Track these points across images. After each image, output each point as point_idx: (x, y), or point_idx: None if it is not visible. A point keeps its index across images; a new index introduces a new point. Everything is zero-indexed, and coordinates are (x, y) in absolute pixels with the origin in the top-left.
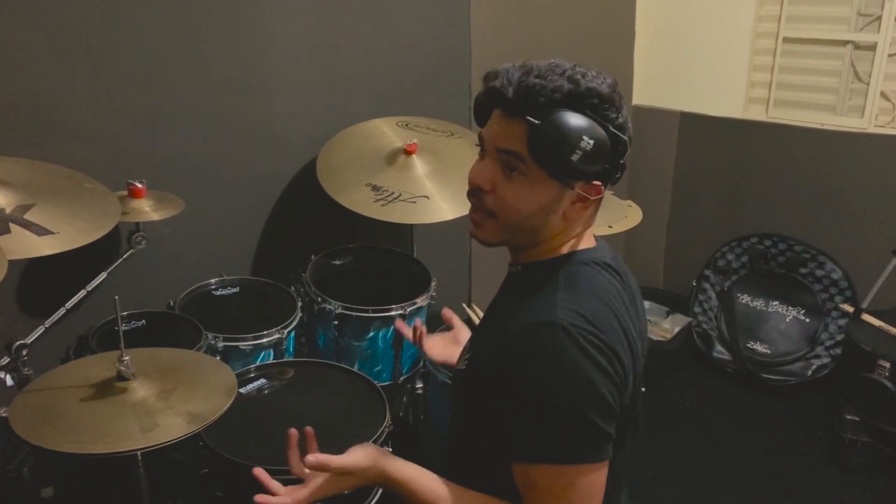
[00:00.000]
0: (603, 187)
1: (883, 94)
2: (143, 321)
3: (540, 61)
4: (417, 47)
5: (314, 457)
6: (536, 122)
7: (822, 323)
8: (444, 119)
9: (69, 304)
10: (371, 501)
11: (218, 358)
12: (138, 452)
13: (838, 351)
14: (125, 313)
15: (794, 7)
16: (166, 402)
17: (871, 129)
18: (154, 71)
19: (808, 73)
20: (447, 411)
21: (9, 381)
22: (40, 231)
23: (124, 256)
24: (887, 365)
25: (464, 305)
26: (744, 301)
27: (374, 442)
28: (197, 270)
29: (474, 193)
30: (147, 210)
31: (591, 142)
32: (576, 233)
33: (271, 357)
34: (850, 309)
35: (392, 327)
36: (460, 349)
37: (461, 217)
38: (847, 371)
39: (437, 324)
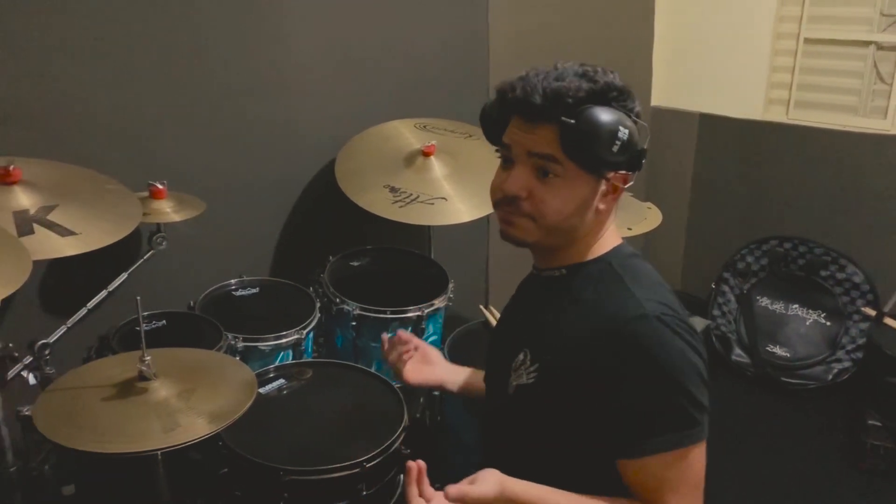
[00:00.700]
0: (631, 175)
1: None
2: (164, 321)
3: (542, 67)
4: (436, 49)
5: (456, 489)
6: (571, 121)
7: (843, 326)
8: (462, 121)
9: (91, 304)
10: None
11: (237, 358)
12: (159, 452)
13: (860, 355)
14: (146, 313)
15: (816, 7)
16: (187, 402)
17: (894, 131)
18: (175, 74)
19: (829, 75)
20: (464, 414)
21: (31, 379)
22: (63, 232)
23: (145, 257)
24: None
25: (481, 307)
26: (763, 304)
27: (392, 443)
28: (217, 271)
29: (509, 202)
30: (168, 211)
31: (626, 131)
32: (608, 228)
33: (290, 357)
34: (872, 312)
35: (410, 328)
36: (435, 367)
37: (479, 219)
38: (869, 375)
39: (454, 325)
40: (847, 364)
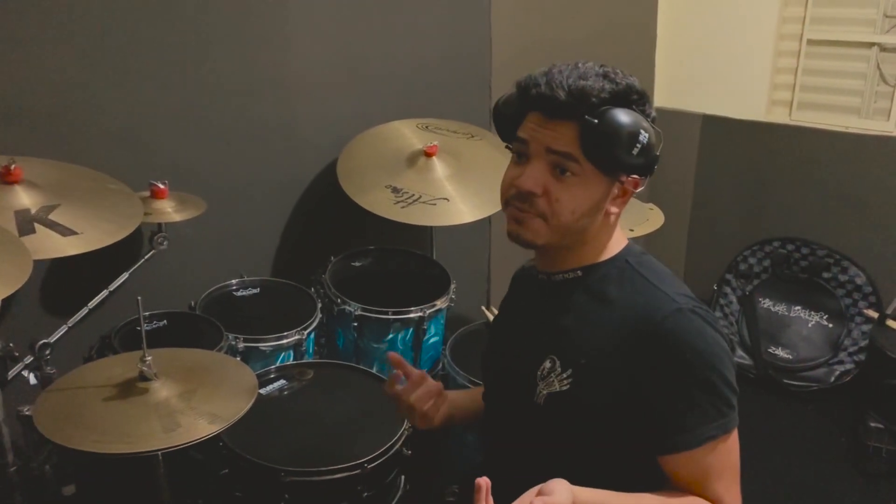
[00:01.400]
0: (643, 179)
1: None
2: (165, 321)
3: (565, 64)
4: (438, 50)
5: (541, 500)
6: (595, 121)
7: (846, 328)
8: (465, 121)
9: (92, 304)
10: None
11: (238, 358)
12: (159, 453)
13: (862, 357)
14: (147, 313)
15: (819, 9)
16: (188, 403)
17: None
18: (178, 74)
19: (832, 76)
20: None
21: (32, 379)
22: (65, 231)
23: (146, 257)
24: None
25: (483, 308)
26: (765, 306)
27: (393, 444)
28: (218, 271)
29: (522, 198)
30: (169, 211)
31: (647, 136)
32: (615, 229)
33: (291, 358)
34: (875, 314)
35: (412, 329)
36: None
37: (481, 220)
38: (871, 377)
39: (456, 326)
40: (849, 366)
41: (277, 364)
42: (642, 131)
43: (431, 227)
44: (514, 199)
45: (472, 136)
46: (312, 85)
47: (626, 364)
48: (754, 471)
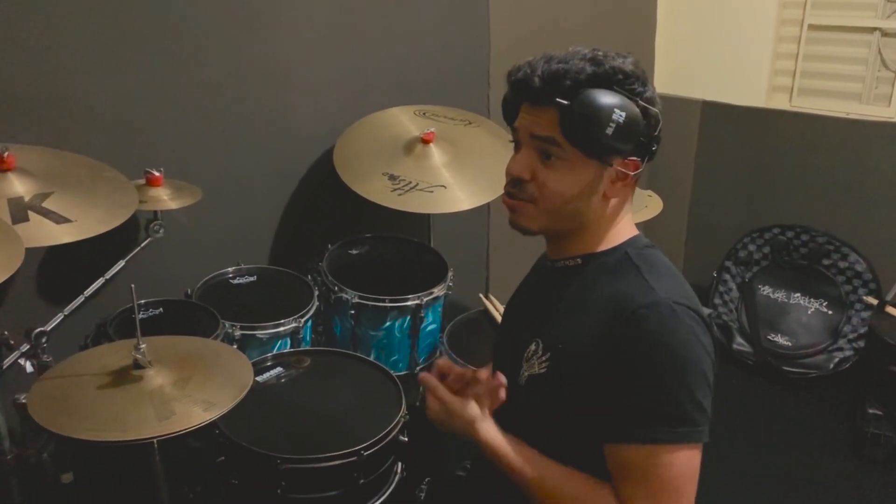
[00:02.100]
0: (641, 162)
1: None
2: (161, 309)
3: (554, 52)
4: (435, 36)
5: (437, 386)
6: (566, 102)
7: (845, 315)
8: (462, 108)
9: (88, 292)
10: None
11: (235, 346)
12: (154, 440)
13: (861, 344)
14: (143, 301)
15: None
16: (183, 391)
17: None
18: (173, 61)
19: (833, 61)
20: None
21: (29, 367)
22: (59, 219)
23: (142, 245)
24: None
25: (480, 296)
26: (765, 293)
27: (390, 431)
28: (214, 259)
29: (514, 184)
30: (165, 199)
31: (623, 114)
32: (622, 218)
33: (288, 346)
34: (874, 301)
35: (409, 316)
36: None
37: (479, 207)
38: (870, 364)
39: (454, 314)
40: (848, 353)
41: (274, 352)
42: (617, 110)
43: (429, 215)
44: (508, 185)
45: (470, 123)
46: (309, 72)
47: (597, 351)
48: (753, 457)
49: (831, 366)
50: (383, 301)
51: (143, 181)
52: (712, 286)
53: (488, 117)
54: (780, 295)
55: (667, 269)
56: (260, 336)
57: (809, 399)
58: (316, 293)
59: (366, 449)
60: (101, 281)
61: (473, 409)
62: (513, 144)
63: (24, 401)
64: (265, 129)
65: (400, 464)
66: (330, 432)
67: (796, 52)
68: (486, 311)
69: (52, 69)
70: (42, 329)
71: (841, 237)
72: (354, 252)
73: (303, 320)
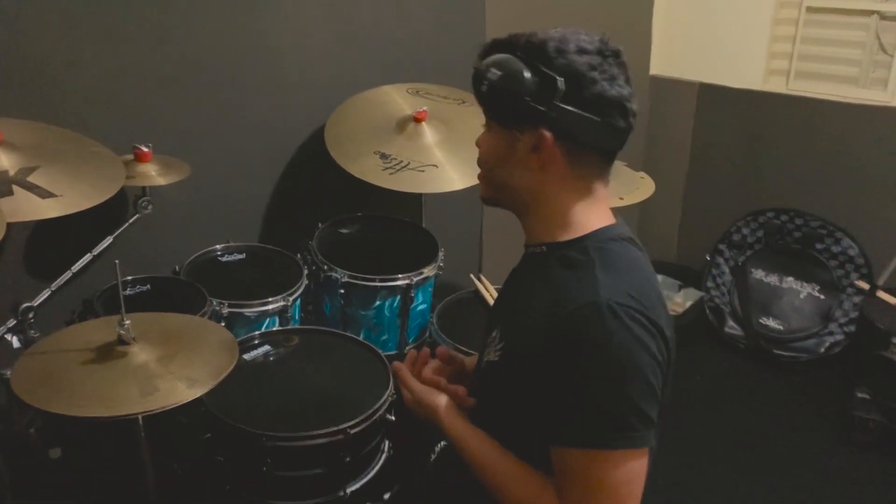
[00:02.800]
0: (552, 135)
1: None
2: (148, 286)
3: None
4: (429, 13)
5: (406, 374)
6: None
7: (837, 300)
8: (456, 87)
9: (75, 268)
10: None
11: (223, 324)
12: (139, 416)
13: (852, 328)
14: (130, 278)
15: None
16: (167, 367)
17: (894, 103)
18: (161, 35)
19: (830, 45)
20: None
21: (15, 342)
22: (44, 194)
23: (130, 221)
24: None
25: (472, 277)
26: (758, 276)
27: (377, 411)
28: (203, 236)
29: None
30: (153, 174)
31: (499, 73)
32: (585, 205)
33: (276, 324)
34: (866, 286)
35: (399, 296)
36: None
37: (472, 187)
38: (860, 349)
39: (445, 294)
40: (839, 337)
41: (262, 330)
42: (493, 69)
43: (421, 195)
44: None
45: (463, 102)
46: (301, 48)
47: (538, 348)
48: (743, 439)
49: (822, 350)
50: (373, 280)
51: (131, 156)
52: (705, 269)
53: None
54: (772, 279)
55: (626, 266)
56: (248, 314)
57: (800, 383)
58: (305, 272)
59: (352, 427)
60: (88, 257)
61: (439, 397)
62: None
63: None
64: (256, 105)
65: (387, 442)
66: (317, 410)
67: (794, 35)
68: (477, 292)
69: (39, 43)
70: (29, 304)
71: (835, 221)
72: (345, 231)
73: (291, 299)
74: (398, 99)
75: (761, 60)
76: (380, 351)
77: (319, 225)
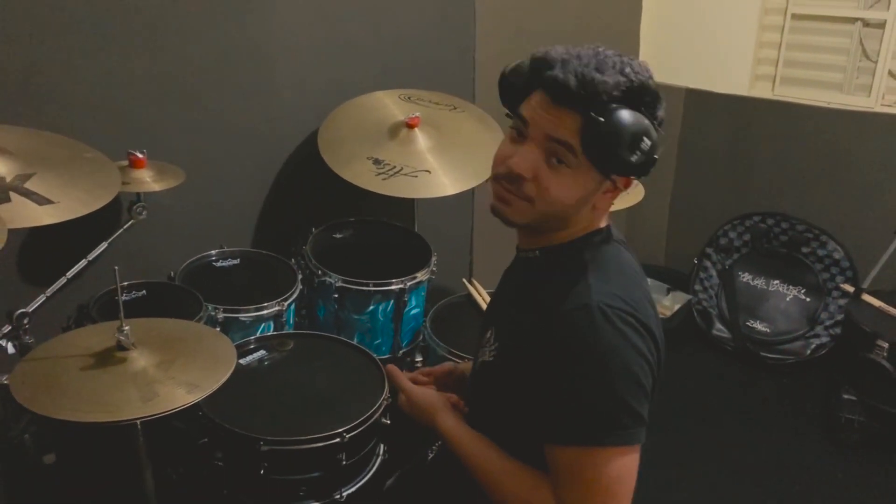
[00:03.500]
0: (635, 179)
1: (891, 73)
2: (144, 291)
3: (583, 49)
4: (421, 20)
5: (399, 377)
6: (601, 119)
7: (823, 302)
8: (447, 93)
9: (70, 274)
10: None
11: (218, 329)
12: (138, 422)
13: (838, 331)
14: (125, 283)
15: None
16: (166, 372)
17: (878, 109)
18: (155, 41)
19: (815, 51)
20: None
21: (10, 349)
22: (41, 200)
23: (125, 226)
24: (886, 345)
25: (464, 281)
26: (745, 279)
27: (372, 415)
28: (197, 242)
29: (511, 180)
30: (148, 180)
31: (649, 143)
32: (598, 219)
33: (271, 329)
34: (851, 289)
35: (392, 300)
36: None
37: (464, 192)
38: (846, 351)
39: (438, 299)
40: (825, 339)
41: (257, 335)
42: (646, 138)
43: (414, 200)
44: (503, 178)
45: (455, 108)
46: (293, 54)
47: (533, 348)
48: (730, 440)
49: (808, 352)
50: (367, 285)
51: (125, 163)
52: (693, 272)
53: (473, 102)
54: (759, 282)
55: (618, 268)
56: (243, 319)
57: (786, 384)
58: (299, 277)
59: (348, 431)
60: (83, 263)
61: (433, 397)
62: (512, 130)
63: (5, 382)
64: (249, 111)
65: (382, 446)
66: (313, 414)
67: (779, 42)
68: (469, 296)
69: (34, 50)
70: (24, 310)
71: (820, 225)
72: (338, 236)
73: (286, 304)
74: (391, 105)
75: (747, 66)
76: (374, 355)
77: (313, 230)
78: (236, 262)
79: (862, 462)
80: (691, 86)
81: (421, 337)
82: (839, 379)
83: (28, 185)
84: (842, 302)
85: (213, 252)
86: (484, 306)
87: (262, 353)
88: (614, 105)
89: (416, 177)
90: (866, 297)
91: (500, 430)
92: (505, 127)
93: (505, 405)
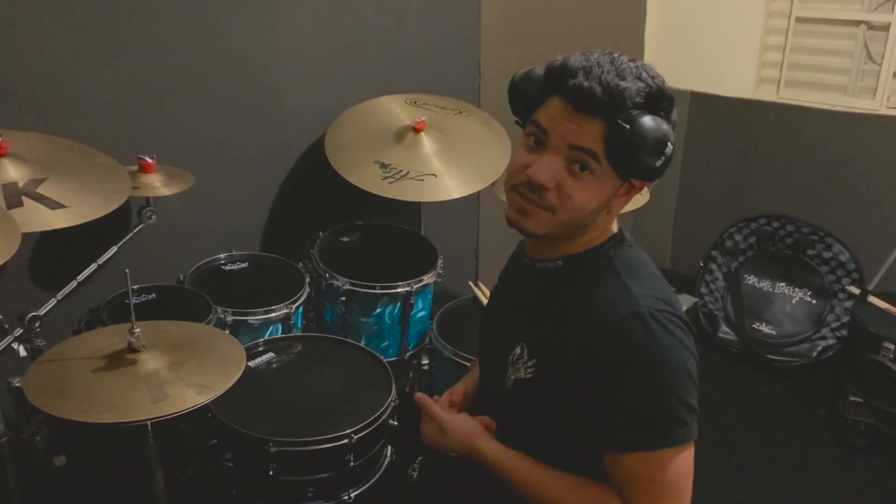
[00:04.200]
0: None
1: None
2: (154, 295)
3: (599, 55)
4: (426, 24)
5: (428, 404)
6: (626, 126)
7: (829, 305)
8: (453, 97)
9: (81, 277)
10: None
11: (227, 332)
12: (148, 423)
13: (844, 333)
14: (136, 287)
15: None
16: (176, 374)
17: (883, 111)
18: (164, 46)
19: (820, 54)
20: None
21: (22, 351)
22: (53, 205)
23: (135, 231)
24: (892, 347)
25: (470, 284)
26: (750, 282)
27: (380, 416)
28: (206, 245)
29: (533, 189)
30: (157, 185)
31: (672, 147)
32: (613, 222)
33: (279, 332)
34: (857, 291)
35: (399, 303)
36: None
37: (470, 195)
38: (852, 353)
39: (444, 301)
40: (831, 341)
41: (266, 337)
42: (669, 143)
43: (420, 203)
44: (524, 187)
45: (461, 112)
46: (301, 59)
47: (581, 361)
48: (737, 443)
49: (814, 354)
50: (374, 288)
51: (135, 168)
52: (699, 275)
53: (479, 106)
54: (765, 284)
55: (647, 270)
56: (251, 322)
57: (792, 387)
58: (307, 280)
59: (356, 432)
60: (93, 266)
61: (472, 424)
62: (527, 139)
63: (17, 384)
64: (257, 116)
65: (389, 447)
66: (321, 416)
67: (784, 45)
68: (475, 299)
69: (45, 56)
70: (35, 314)
71: (825, 228)
72: (345, 239)
73: (294, 306)
74: (397, 109)
75: (752, 69)
76: (381, 357)
77: (320, 233)
78: (245, 265)
79: (869, 464)
80: (696, 89)
81: (427, 339)
82: (845, 381)
83: (40, 189)
84: (848, 304)
85: (221, 256)
86: None
87: (270, 355)
88: (637, 111)
89: (423, 180)
90: (872, 299)
91: (542, 445)
92: (511, 131)
93: (548, 421)
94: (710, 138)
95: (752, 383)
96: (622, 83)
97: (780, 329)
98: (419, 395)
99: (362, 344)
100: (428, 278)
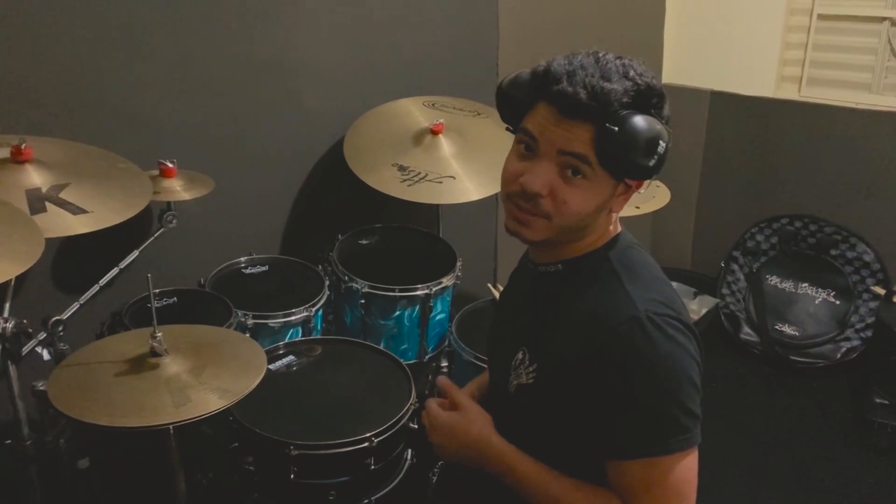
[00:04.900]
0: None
1: None
2: (175, 298)
3: (582, 56)
4: (444, 26)
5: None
6: (615, 128)
7: (853, 305)
8: (471, 98)
9: (103, 282)
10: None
11: (247, 335)
12: (170, 426)
13: (868, 333)
14: (157, 290)
15: None
16: (198, 378)
17: None
18: (184, 52)
19: (842, 51)
20: None
21: (45, 355)
22: (75, 210)
23: (156, 235)
24: None
25: (489, 286)
26: (773, 283)
27: (400, 419)
28: (227, 249)
29: (527, 198)
30: (178, 189)
31: (664, 145)
32: (612, 222)
33: (299, 334)
34: (882, 291)
35: (418, 306)
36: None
37: (487, 197)
38: (877, 354)
39: (462, 303)
40: (856, 343)
41: (286, 340)
42: (661, 142)
43: (438, 205)
44: (517, 196)
45: (479, 114)
46: (319, 63)
47: (581, 366)
48: (759, 445)
49: (838, 355)
50: (393, 291)
51: (156, 172)
52: (720, 276)
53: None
54: (787, 285)
55: (648, 272)
56: (272, 325)
57: (816, 388)
58: (327, 283)
59: (377, 435)
60: (115, 271)
61: (487, 413)
62: (518, 146)
63: (41, 388)
64: (277, 120)
65: (410, 450)
66: (341, 419)
67: (805, 42)
68: (494, 301)
69: (67, 63)
70: (58, 318)
71: (849, 227)
72: (364, 242)
73: (314, 309)
74: (415, 112)
75: (773, 68)
76: (401, 360)
77: (339, 236)
78: (265, 268)
79: (894, 467)
80: (716, 88)
81: (447, 342)
82: (870, 382)
83: (63, 195)
84: (872, 304)
85: (242, 259)
86: None
87: (290, 358)
88: (625, 112)
89: (441, 183)
90: None
91: (544, 451)
92: None
93: (550, 427)
94: (731, 138)
95: (775, 385)
96: (607, 85)
97: (803, 330)
98: (442, 379)
99: (381, 346)
100: (447, 280)
